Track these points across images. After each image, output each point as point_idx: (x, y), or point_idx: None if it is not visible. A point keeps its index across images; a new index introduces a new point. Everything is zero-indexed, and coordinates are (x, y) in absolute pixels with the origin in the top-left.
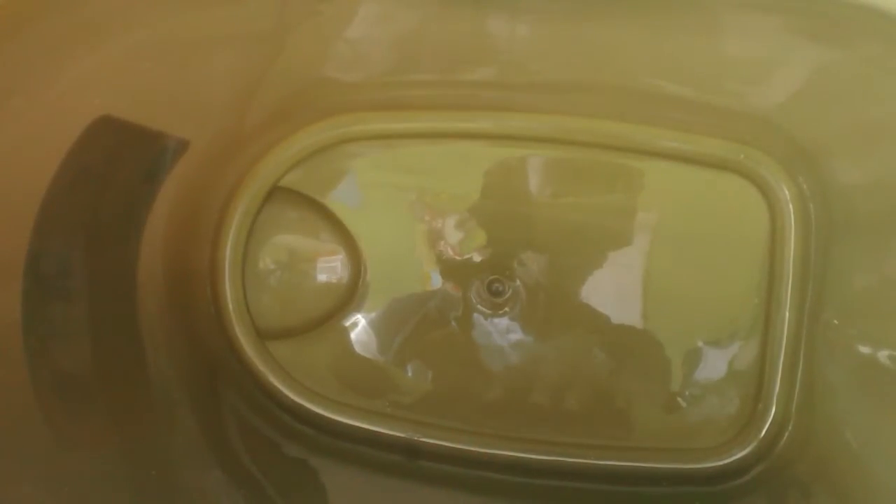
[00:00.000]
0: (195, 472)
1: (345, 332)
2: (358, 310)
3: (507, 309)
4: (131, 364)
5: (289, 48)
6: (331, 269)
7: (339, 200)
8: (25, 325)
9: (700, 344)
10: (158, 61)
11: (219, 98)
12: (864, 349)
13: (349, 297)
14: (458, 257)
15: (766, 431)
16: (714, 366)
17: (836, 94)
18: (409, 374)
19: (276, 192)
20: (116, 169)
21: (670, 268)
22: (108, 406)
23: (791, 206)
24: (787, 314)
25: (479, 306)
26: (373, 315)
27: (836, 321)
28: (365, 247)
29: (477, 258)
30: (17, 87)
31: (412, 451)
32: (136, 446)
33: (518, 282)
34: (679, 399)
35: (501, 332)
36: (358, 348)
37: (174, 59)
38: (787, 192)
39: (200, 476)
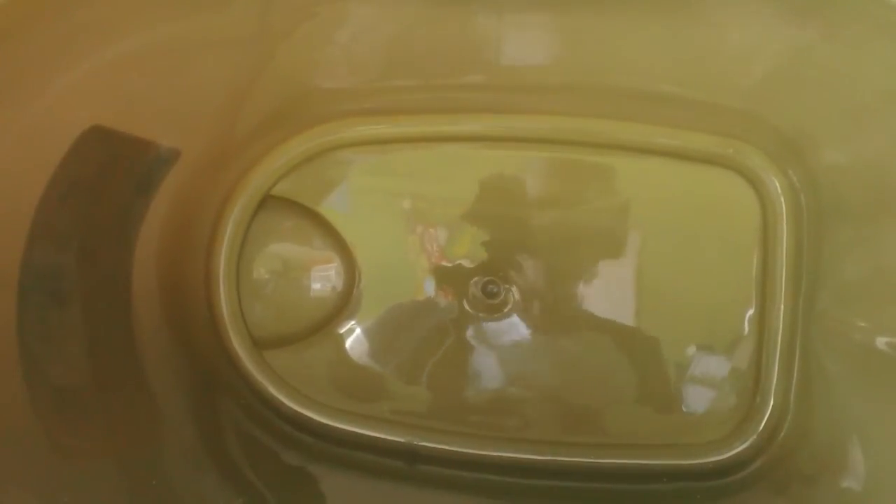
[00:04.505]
0: (194, 481)
1: (341, 338)
2: (354, 316)
3: (502, 311)
4: (128, 375)
5: (279, 55)
6: (325, 276)
7: (332, 208)
8: (21, 337)
9: (696, 339)
10: (146, 70)
11: (209, 106)
12: (861, 337)
13: (345, 303)
14: (452, 261)
15: (766, 424)
16: (710, 360)
17: (819, 80)
18: (407, 378)
19: (268, 201)
20: (108, 179)
21: (664, 264)
22: (105, 417)
23: (782, 197)
24: (782, 305)
25: (474, 309)
26: (369, 321)
27: (831, 310)
28: (359, 253)
29: (471, 261)
30: (6, 99)
31: (411, 455)
32: (135, 456)
33: (513, 283)
34: (676, 395)
35: (497, 333)
36: (355, 355)
37: (162, 67)
38: (777, 183)
39: (199, 485)
